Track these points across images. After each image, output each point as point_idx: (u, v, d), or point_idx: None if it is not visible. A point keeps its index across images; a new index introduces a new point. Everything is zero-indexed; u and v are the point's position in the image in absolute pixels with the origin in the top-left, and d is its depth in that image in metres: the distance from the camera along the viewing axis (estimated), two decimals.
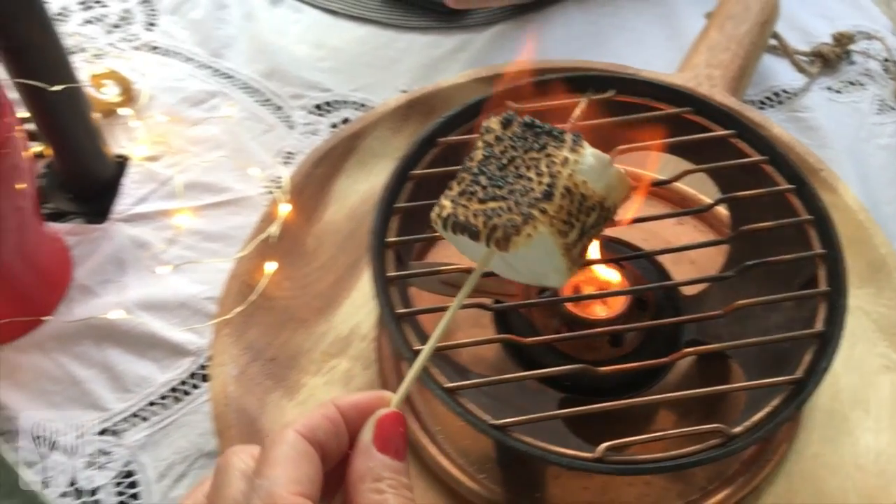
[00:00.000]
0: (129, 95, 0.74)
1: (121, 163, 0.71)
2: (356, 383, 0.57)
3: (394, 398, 0.35)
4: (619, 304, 0.53)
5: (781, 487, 0.53)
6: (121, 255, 0.66)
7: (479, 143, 0.36)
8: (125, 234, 0.67)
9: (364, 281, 0.62)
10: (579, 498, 0.53)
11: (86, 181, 0.68)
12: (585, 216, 0.34)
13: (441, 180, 0.53)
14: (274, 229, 0.62)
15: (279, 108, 0.76)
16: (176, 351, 0.61)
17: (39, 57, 0.59)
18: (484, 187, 0.34)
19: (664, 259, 0.57)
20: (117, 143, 0.72)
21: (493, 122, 0.36)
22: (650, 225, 0.60)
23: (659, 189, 0.65)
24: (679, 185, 0.64)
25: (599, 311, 0.53)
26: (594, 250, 0.51)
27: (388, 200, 0.52)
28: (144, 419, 0.59)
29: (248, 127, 0.74)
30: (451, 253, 0.54)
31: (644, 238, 0.60)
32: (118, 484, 0.56)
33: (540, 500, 0.53)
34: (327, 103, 0.77)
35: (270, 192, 0.69)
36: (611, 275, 0.54)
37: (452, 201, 0.35)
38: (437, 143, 0.54)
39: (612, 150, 0.54)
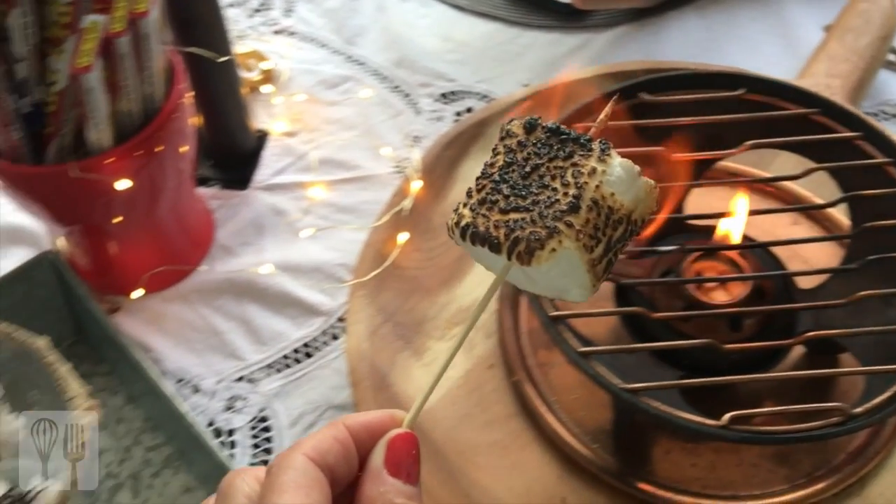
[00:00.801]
0: (269, 75, 0.80)
1: (261, 137, 0.76)
2: (477, 351, 0.61)
3: (406, 418, 0.33)
4: (738, 291, 0.55)
5: (887, 480, 0.55)
6: (259, 220, 0.71)
7: (500, 148, 0.34)
8: (264, 201, 0.72)
9: None
10: (687, 474, 0.55)
11: (230, 151, 0.74)
12: (612, 230, 0.32)
13: None
14: (407, 203, 0.66)
15: (407, 94, 0.81)
16: (309, 310, 0.66)
17: (206, 31, 0.65)
18: (506, 196, 0.32)
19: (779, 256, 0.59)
20: (258, 119, 0.77)
21: (516, 126, 0.34)
22: (766, 224, 0.63)
23: (774, 189, 0.67)
24: (794, 186, 0.66)
25: (720, 296, 0.55)
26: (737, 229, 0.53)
27: None
28: (278, 370, 0.63)
29: (378, 111, 0.79)
30: None
31: (759, 236, 0.63)
32: (253, 427, 0.61)
33: (649, 473, 0.55)
34: (452, 93, 0.81)
35: (400, 171, 0.73)
36: (732, 263, 0.56)
37: (472, 210, 0.33)
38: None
39: (742, 146, 0.57)
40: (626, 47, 0.83)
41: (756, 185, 0.66)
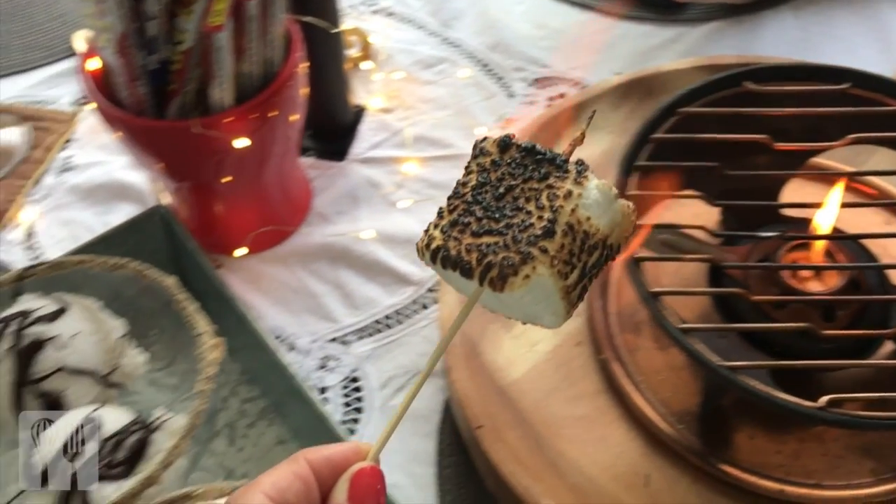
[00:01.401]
0: (369, 52, 0.82)
1: (359, 111, 0.78)
2: (566, 328, 0.62)
3: (371, 451, 0.32)
4: (833, 282, 0.56)
5: None
6: (355, 191, 0.74)
7: (473, 167, 0.33)
8: (360, 173, 0.75)
9: None
10: (771, 460, 0.56)
11: (330, 123, 0.76)
12: (588, 255, 0.31)
13: (675, 146, 0.58)
14: None
15: (501, 78, 0.82)
16: (401, 279, 0.68)
17: (319, 3, 0.67)
18: (479, 219, 0.31)
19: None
20: (357, 94, 0.80)
21: (490, 144, 0.33)
22: (861, 224, 0.63)
23: (869, 188, 0.67)
24: (890, 186, 0.66)
25: (815, 286, 0.56)
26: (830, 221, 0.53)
27: (630, 157, 0.57)
28: (370, 334, 0.66)
29: (472, 92, 0.81)
30: (679, 216, 0.58)
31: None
32: (345, 387, 0.63)
33: (733, 457, 0.56)
34: (546, 78, 0.82)
35: None
36: (827, 255, 0.57)
37: (443, 232, 0.31)
38: (676, 112, 0.58)
39: (845, 139, 0.57)
40: (719, 42, 0.84)
41: (851, 185, 0.66)
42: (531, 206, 0.31)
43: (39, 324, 0.48)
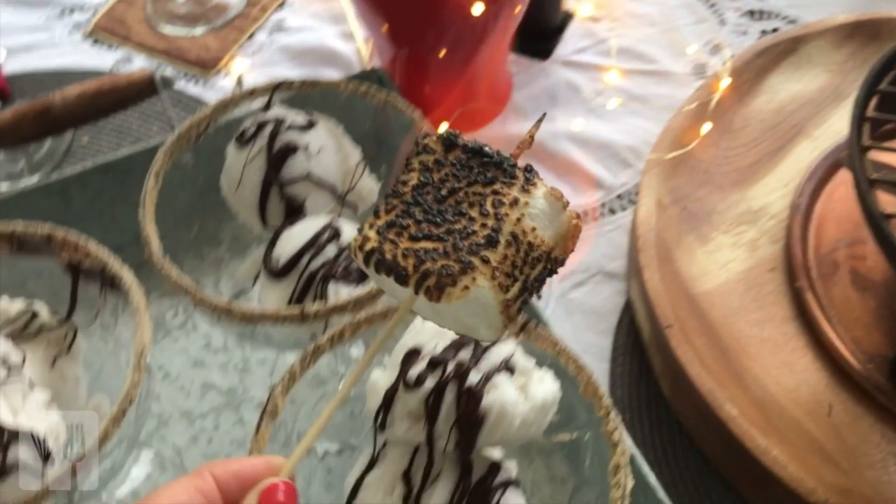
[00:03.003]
0: None
1: (567, 16, 0.78)
2: (761, 253, 0.61)
3: (284, 466, 0.29)
4: None
5: None
6: (554, 91, 0.74)
7: (416, 165, 0.30)
8: (561, 75, 0.74)
9: (781, 169, 0.65)
10: None
11: (538, 23, 0.76)
12: (530, 269, 0.29)
13: None
14: (714, 97, 0.66)
15: (713, 5, 0.80)
16: (591, 182, 0.68)
17: None
18: (418, 222, 0.29)
19: None
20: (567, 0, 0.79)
21: (433, 142, 0.30)
22: None
23: None
24: None
25: None
26: None
27: (870, 83, 0.54)
28: None
29: (683, 14, 0.79)
30: None
31: None
32: None
33: None
34: (760, 11, 0.80)
35: (697, 74, 0.73)
36: None
37: (379, 233, 0.29)
38: None
39: None
40: None
41: None
42: (474, 212, 0.29)
43: (292, 131, 0.50)
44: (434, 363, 0.40)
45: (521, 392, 0.37)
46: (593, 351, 0.60)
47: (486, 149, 0.30)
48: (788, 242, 0.61)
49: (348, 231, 0.47)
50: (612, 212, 0.67)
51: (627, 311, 0.62)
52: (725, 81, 0.67)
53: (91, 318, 0.46)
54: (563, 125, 0.71)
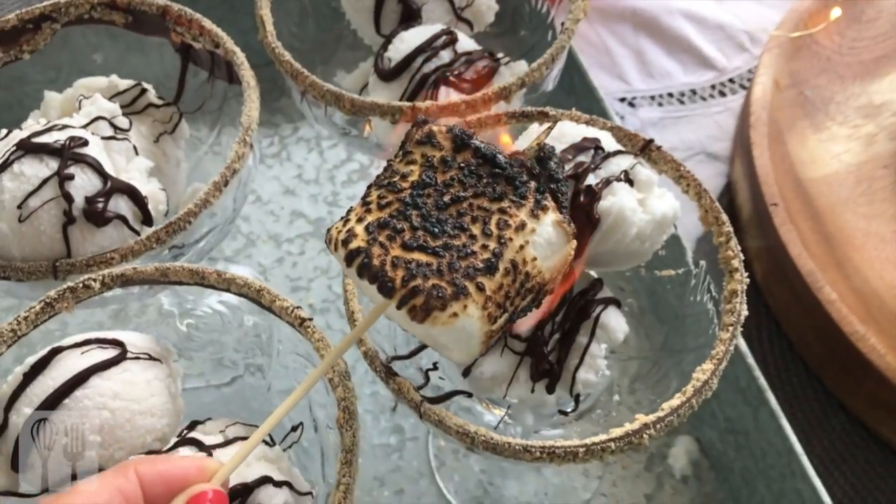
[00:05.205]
0: None
1: None
2: (876, 149, 0.58)
3: (218, 472, 0.27)
4: None
5: None
6: None
7: (417, 157, 0.27)
8: None
9: None
10: None
11: None
12: (521, 300, 0.27)
13: None
14: None
15: None
16: (703, 62, 0.65)
17: None
18: (414, 228, 0.26)
19: None
20: None
21: (442, 136, 0.27)
22: None
23: None
24: None
25: None
26: None
27: None
28: (660, 105, 0.64)
29: None
30: None
31: None
32: None
33: None
34: None
35: None
36: None
37: (369, 232, 0.26)
38: None
39: None
40: None
41: None
42: (477, 229, 0.26)
43: None
44: None
45: (641, 205, 0.35)
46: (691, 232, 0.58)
47: (500, 158, 0.28)
48: None
49: (465, 40, 0.46)
50: (723, 94, 0.64)
51: (726, 194, 0.59)
52: None
53: (197, 104, 0.45)
54: (678, 3, 0.68)
